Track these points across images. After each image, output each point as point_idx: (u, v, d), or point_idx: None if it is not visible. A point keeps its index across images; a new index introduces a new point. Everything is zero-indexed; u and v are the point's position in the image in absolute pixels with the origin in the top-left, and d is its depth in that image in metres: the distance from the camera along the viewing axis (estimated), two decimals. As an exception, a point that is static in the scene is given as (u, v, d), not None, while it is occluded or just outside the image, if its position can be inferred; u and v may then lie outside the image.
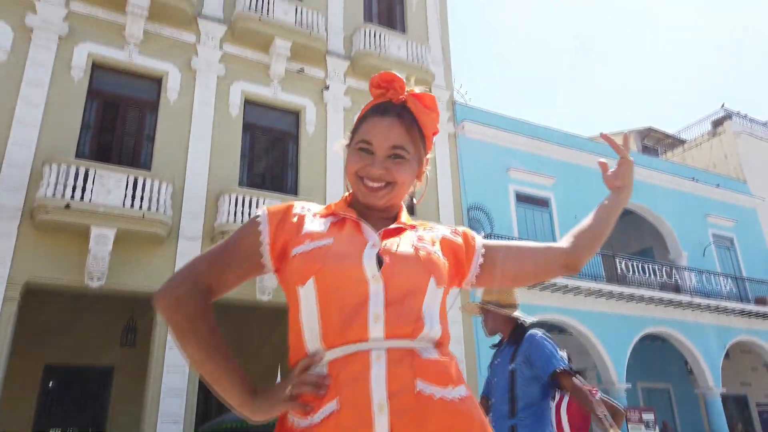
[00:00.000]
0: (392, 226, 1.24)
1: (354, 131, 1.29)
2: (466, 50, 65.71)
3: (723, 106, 23.29)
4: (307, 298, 1.13)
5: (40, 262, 9.36)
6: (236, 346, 13.22)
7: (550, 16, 72.43)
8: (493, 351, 3.43)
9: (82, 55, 10.76)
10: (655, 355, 18.56)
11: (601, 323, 14.71)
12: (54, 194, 9.22)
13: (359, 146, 1.25)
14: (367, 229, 1.22)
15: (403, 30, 15.29)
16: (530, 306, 13.80)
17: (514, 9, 74.74)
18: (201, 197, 11.00)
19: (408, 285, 1.15)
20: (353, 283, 1.12)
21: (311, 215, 1.25)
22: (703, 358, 16.12)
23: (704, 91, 67.18)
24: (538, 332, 3.11)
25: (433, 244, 1.26)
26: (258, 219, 1.23)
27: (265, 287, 10.83)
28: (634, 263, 15.77)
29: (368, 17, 14.98)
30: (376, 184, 1.23)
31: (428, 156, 1.35)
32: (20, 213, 9.37)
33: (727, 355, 17.77)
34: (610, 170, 1.52)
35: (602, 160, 1.53)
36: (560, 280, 13.76)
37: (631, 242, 19.70)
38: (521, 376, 2.97)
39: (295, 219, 1.23)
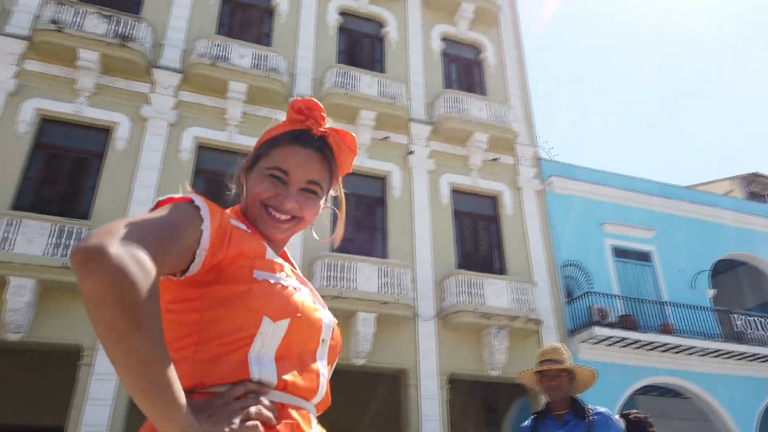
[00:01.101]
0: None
1: (262, 153, 1.18)
2: (550, 105, 65.46)
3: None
4: (273, 334, 1.03)
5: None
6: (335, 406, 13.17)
7: (642, 60, 71.21)
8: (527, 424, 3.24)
9: (28, 111, 10.86)
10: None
11: (723, 386, 13.36)
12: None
13: (271, 173, 1.15)
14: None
15: (483, 92, 15.53)
16: (638, 368, 12.84)
17: (601, 57, 74.24)
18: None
19: (332, 353, 1.20)
20: (315, 341, 1.12)
21: (241, 227, 1.10)
22: None
23: (811, 134, 62.55)
24: (607, 411, 3.13)
25: None
26: (200, 213, 1.02)
27: (359, 351, 10.79)
28: (755, 319, 14.38)
29: (448, 84, 15.38)
30: (283, 217, 1.15)
31: (331, 194, 1.27)
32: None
33: None
34: None
35: None
36: (673, 340, 12.76)
37: (746, 297, 18.07)
38: None
39: (228, 228, 1.06)
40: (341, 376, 11.87)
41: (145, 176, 11.16)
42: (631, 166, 73.75)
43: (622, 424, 3.28)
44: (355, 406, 12.91)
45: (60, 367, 10.31)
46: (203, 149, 12.12)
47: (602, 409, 3.11)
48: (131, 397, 0.85)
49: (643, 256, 14.83)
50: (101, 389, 9.43)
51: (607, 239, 14.55)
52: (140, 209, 10.51)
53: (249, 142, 12.31)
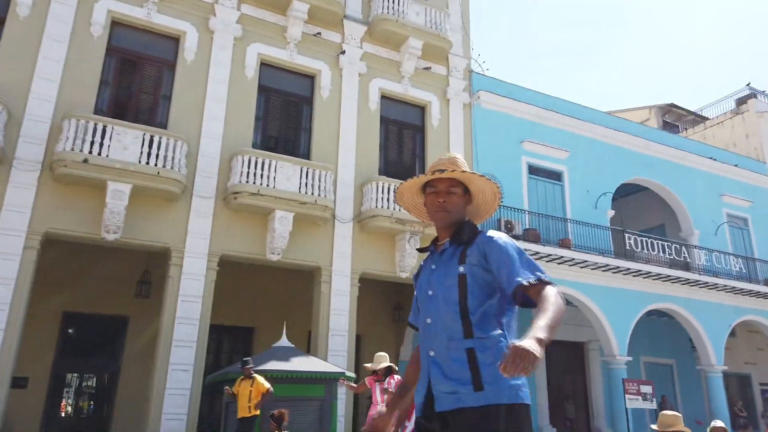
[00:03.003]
0: None
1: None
2: (485, 18, 64.34)
3: (749, 84, 22.79)
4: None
5: (59, 214, 9.72)
6: (246, 299, 13.62)
7: (579, -15, 70.48)
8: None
9: (101, 12, 10.92)
10: (661, 331, 18.69)
11: (607, 297, 14.85)
12: (72, 148, 9.51)
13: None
14: None
15: (423, -5, 15.13)
16: (536, 277, 13.96)
17: (542, -24, 72.75)
18: (215, 157, 11.24)
19: None
20: None
21: None
22: (707, 335, 16.22)
23: (730, 70, 65.28)
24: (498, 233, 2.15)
25: None
26: None
27: (275, 248, 11.11)
28: (644, 240, 15.78)
29: (388, -19, 14.82)
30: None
31: None
32: (40, 166, 9.70)
33: (733, 335, 17.84)
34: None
35: None
36: (568, 254, 13.88)
37: (643, 219, 19.64)
38: (475, 281, 2.01)
39: None
40: (257, 270, 12.35)
41: (215, 90, 11.60)
42: (558, 89, 74.99)
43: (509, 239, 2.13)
44: (269, 298, 13.46)
45: (154, 266, 12.08)
46: (265, 66, 12.56)
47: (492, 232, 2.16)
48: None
49: (555, 176, 15.66)
50: (190, 287, 10.48)
51: (525, 157, 15.19)
52: (214, 124, 11.44)
53: (307, 63, 12.92)
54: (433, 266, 2.15)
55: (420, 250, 2.32)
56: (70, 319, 12.59)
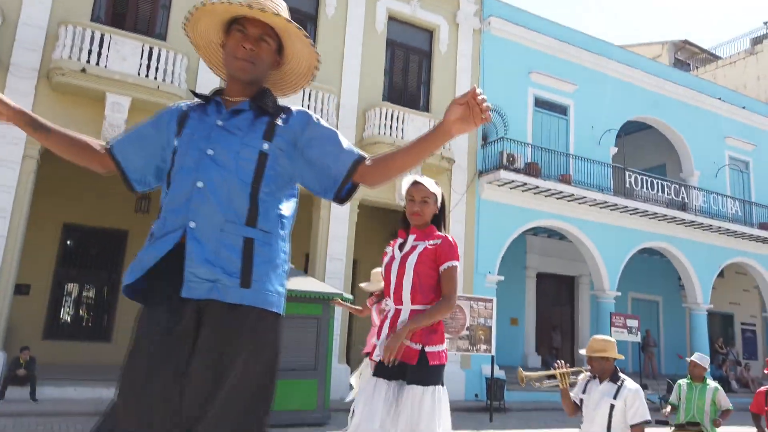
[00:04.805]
0: None
1: None
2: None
3: (766, 23, 22.08)
4: None
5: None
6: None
7: None
8: None
9: None
10: (650, 269, 19.07)
11: (602, 233, 15.01)
12: (70, 57, 9.24)
13: None
14: None
15: None
16: (531, 210, 14.06)
17: None
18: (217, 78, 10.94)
19: None
20: None
21: None
22: (695, 274, 16.56)
23: (748, 6, 63.01)
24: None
25: None
26: None
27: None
28: (644, 178, 15.77)
29: None
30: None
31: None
32: (36, 74, 9.45)
33: (721, 275, 18.22)
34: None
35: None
36: (567, 189, 13.89)
37: (645, 157, 19.57)
38: (274, 167, 1.69)
39: None
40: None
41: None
42: (571, 19, 72.51)
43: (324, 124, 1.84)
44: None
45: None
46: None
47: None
48: None
49: (561, 110, 15.42)
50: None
51: (531, 88, 14.89)
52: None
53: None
54: (219, 123, 1.68)
55: (196, 94, 1.76)
56: (70, 230, 12.70)
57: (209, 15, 1.70)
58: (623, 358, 4.12)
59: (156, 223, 1.68)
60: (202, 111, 1.74)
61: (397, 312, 2.88)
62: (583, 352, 4.07)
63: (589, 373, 4.05)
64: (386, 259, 3.06)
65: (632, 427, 3.72)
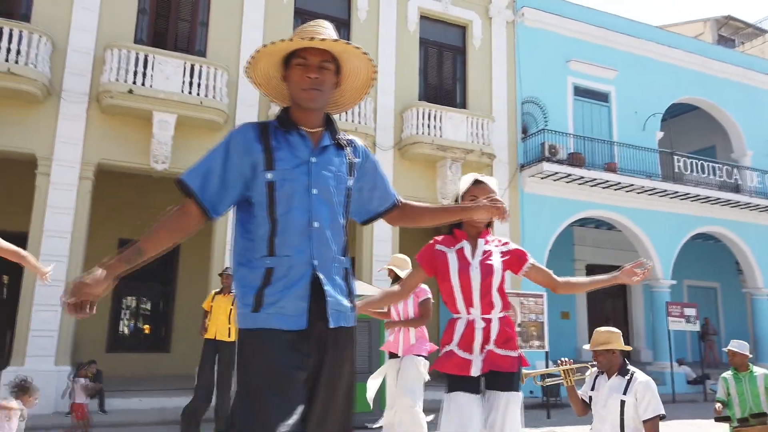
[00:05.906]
0: None
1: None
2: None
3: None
4: None
5: (110, 145, 9.94)
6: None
7: None
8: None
9: None
10: (706, 254, 18.42)
11: (652, 221, 14.60)
12: (117, 79, 9.59)
13: None
14: None
15: None
16: (577, 201, 13.80)
17: None
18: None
19: None
20: None
21: None
22: (754, 257, 15.91)
23: (799, -26, 60.11)
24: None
25: None
26: None
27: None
28: (694, 162, 15.26)
29: None
30: None
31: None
32: (87, 97, 9.84)
33: (782, 258, 17.44)
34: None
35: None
36: (614, 177, 13.56)
37: (693, 140, 18.93)
38: (350, 199, 1.91)
39: None
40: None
41: (251, 17, 11.48)
42: (607, 3, 70.64)
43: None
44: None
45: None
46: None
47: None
48: None
49: (602, 96, 15.08)
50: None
51: (570, 77, 14.62)
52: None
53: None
54: (314, 159, 1.76)
55: (281, 122, 1.79)
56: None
57: (270, 54, 1.77)
58: (630, 349, 3.92)
59: (271, 260, 1.72)
60: (285, 141, 1.77)
61: (488, 322, 2.70)
62: (586, 347, 3.83)
63: (596, 369, 3.80)
64: (456, 264, 2.78)
65: (644, 422, 3.47)
